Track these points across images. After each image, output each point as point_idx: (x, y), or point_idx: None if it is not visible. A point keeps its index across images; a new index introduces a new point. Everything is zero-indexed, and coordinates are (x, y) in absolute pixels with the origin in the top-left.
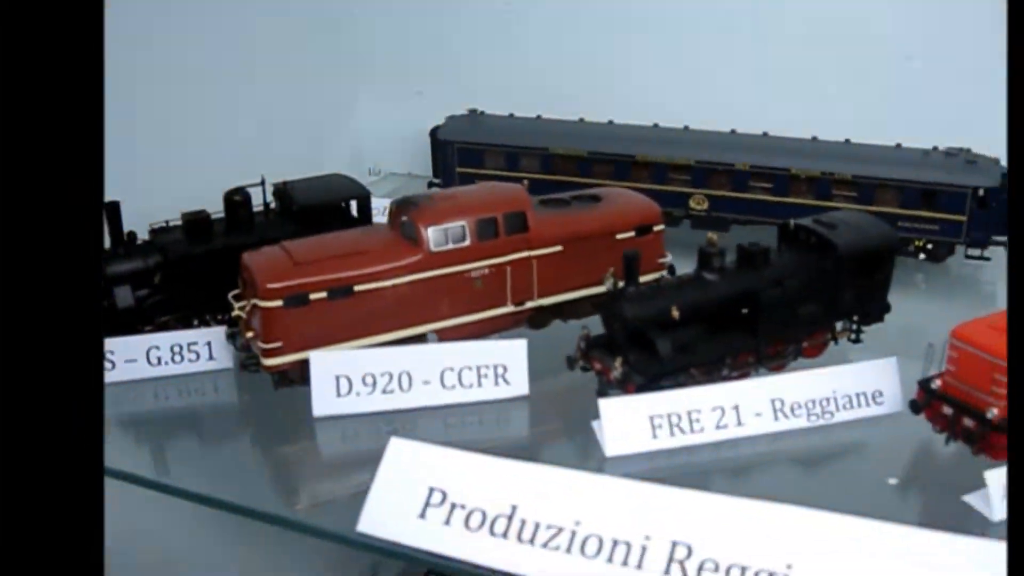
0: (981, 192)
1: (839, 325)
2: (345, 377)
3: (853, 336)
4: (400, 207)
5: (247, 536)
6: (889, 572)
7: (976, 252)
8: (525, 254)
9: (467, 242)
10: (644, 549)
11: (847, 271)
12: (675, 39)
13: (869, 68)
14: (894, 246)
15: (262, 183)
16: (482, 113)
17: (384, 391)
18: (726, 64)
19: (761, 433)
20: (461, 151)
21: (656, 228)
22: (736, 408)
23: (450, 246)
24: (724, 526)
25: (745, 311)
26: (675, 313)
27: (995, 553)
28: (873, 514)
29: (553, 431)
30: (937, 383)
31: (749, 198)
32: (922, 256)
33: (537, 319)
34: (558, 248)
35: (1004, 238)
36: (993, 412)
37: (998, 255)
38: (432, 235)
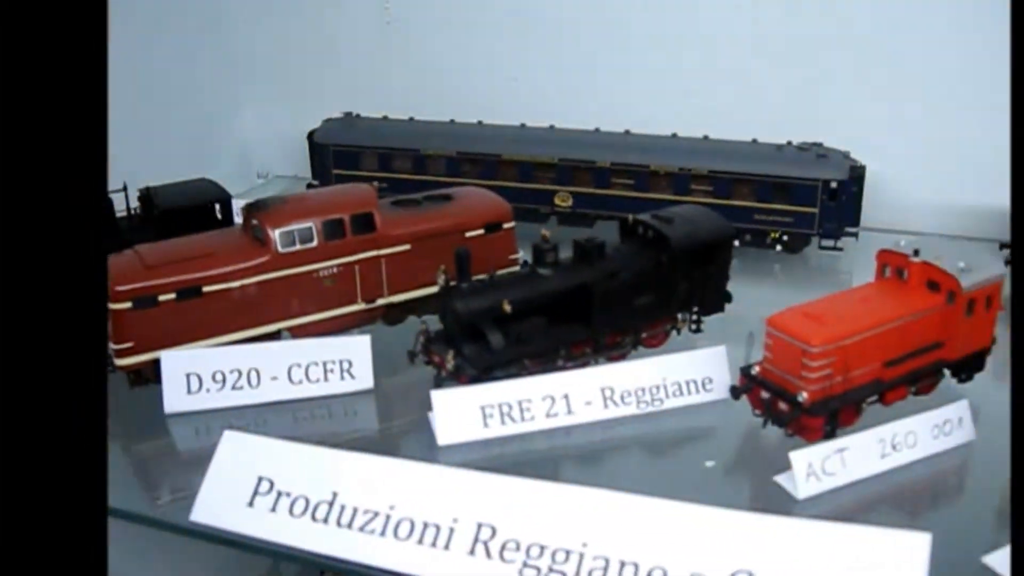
0: (833, 185)
1: (681, 316)
2: (195, 375)
3: (694, 326)
4: (250, 210)
5: (136, 540)
6: (681, 549)
7: (829, 243)
8: (373, 253)
9: (314, 243)
10: (452, 531)
11: (681, 263)
12: (540, 40)
13: (728, 65)
14: (728, 238)
15: (123, 189)
16: (357, 116)
17: (234, 387)
18: (590, 64)
19: (593, 420)
20: (336, 153)
21: (506, 225)
22: (566, 397)
23: (298, 247)
24: (525, 508)
25: (580, 303)
26: (507, 307)
27: (783, 529)
28: (687, 495)
29: (395, 422)
30: (756, 369)
31: (612, 194)
32: (779, 247)
33: (392, 315)
34: (406, 247)
35: (856, 229)
36: (803, 396)
37: (851, 245)
38: (279, 236)
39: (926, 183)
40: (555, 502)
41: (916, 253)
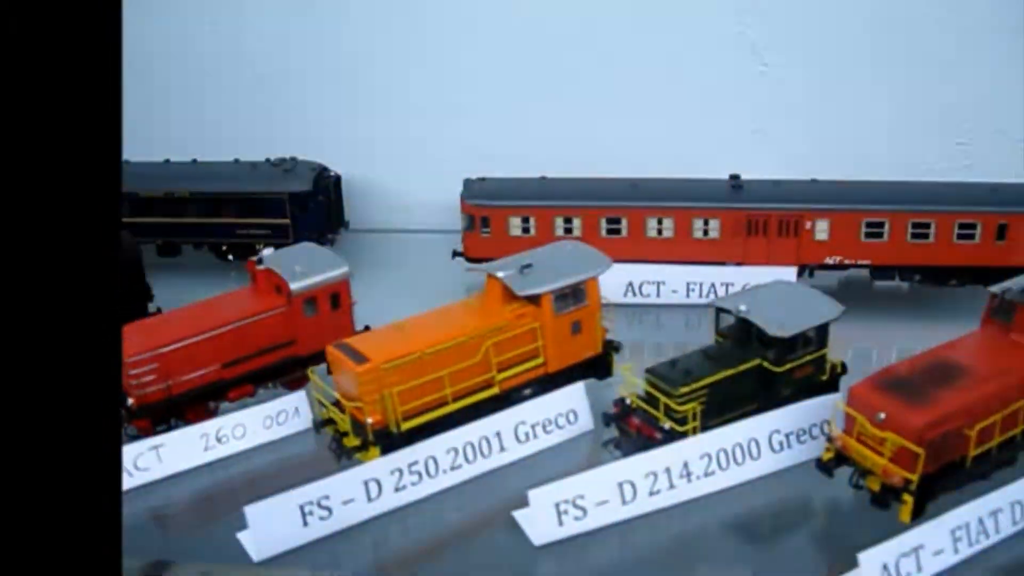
0: (299, 196)
1: None
2: None
3: None
4: None
5: None
6: None
7: None
8: None
9: None
10: None
11: None
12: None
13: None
14: (134, 259)
15: None
16: None
17: None
18: (158, 97)
19: None
20: None
21: None
22: None
23: None
24: None
25: None
26: None
27: None
28: None
29: None
30: None
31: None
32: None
33: None
34: None
35: (335, 234)
36: (130, 401)
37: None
38: None
39: (402, 186)
40: None
41: (260, 261)
